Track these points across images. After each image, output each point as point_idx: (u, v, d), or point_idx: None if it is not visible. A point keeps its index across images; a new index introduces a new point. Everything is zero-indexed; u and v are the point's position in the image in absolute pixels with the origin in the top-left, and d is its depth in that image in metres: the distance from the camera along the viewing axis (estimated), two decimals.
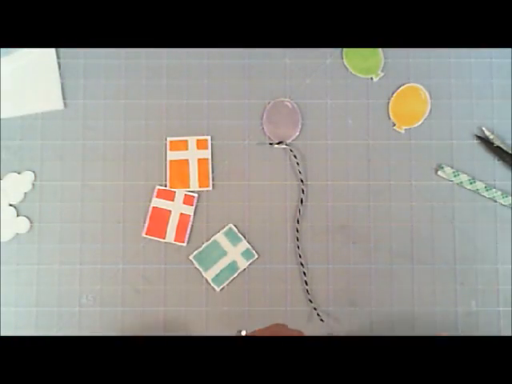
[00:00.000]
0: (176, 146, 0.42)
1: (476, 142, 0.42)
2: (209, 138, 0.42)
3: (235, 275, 0.41)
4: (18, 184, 0.41)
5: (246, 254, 0.41)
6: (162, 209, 0.41)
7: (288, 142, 0.42)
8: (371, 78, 0.42)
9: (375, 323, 0.39)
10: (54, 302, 0.40)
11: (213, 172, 0.42)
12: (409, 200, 0.42)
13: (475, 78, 0.42)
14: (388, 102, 0.42)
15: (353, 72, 0.43)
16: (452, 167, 0.42)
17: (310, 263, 0.41)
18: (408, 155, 0.42)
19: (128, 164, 0.42)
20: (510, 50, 0.42)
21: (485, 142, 0.42)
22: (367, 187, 0.42)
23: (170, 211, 0.41)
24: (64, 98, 0.42)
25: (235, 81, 0.42)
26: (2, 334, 0.40)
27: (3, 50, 0.41)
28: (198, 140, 0.42)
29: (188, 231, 0.41)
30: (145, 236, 0.41)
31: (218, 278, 0.40)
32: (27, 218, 0.41)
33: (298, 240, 0.41)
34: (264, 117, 0.42)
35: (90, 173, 0.42)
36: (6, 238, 0.41)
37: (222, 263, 0.41)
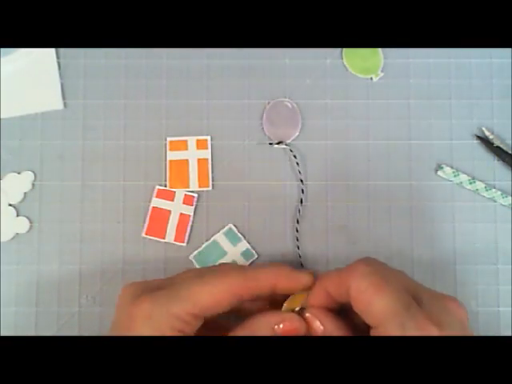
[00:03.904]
0: (176, 146, 0.42)
1: (476, 141, 0.42)
2: (209, 138, 0.42)
3: None
4: (18, 184, 0.41)
5: (246, 254, 0.41)
6: (162, 209, 0.41)
7: (288, 141, 0.42)
8: (371, 78, 0.42)
9: None
10: (54, 302, 0.40)
11: (213, 172, 0.42)
12: (409, 200, 0.42)
13: (475, 78, 0.42)
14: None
15: (353, 72, 0.43)
16: (452, 167, 0.42)
17: (310, 263, 0.41)
18: (408, 155, 0.42)
19: (128, 164, 0.42)
20: (509, 49, 0.42)
21: (485, 142, 0.42)
22: (367, 187, 0.42)
23: (169, 211, 0.41)
24: (64, 98, 0.42)
25: (235, 81, 0.42)
26: (2, 334, 0.40)
27: (3, 50, 0.41)
28: (197, 140, 0.42)
29: (188, 231, 0.41)
30: (145, 236, 0.41)
31: None
32: (27, 218, 0.41)
33: (297, 240, 0.41)
34: (264, 117, 0.42)
35: (90, 173, 0.42)
36: (5, 237, 0.41)
37: None
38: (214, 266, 0.37)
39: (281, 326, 0.31)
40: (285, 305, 0.33)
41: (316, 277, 0.33)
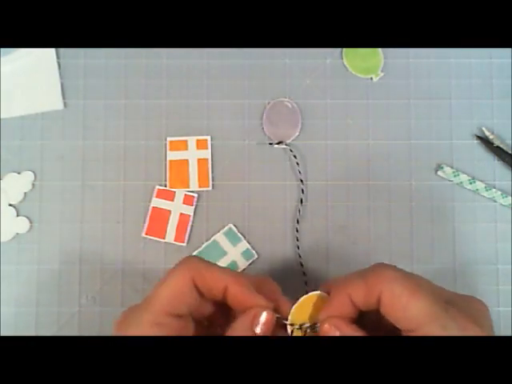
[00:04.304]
0: (176, 146, 0.42)
1: (476, 142, 0.42)
2: (209, 138, 0.42)
3: None
4: (18, 184, 0.41)
5: (246, 254, 0.41)
6: (162, 209, 0.41)
7: (288, 141, 0.42)
8: (371, 78, 0.42)
9: None
10: (54, 302, 0.40)
11: (213, 172, 0.42)
12: (409, 200, 0.42)
13: (475, 78, 0.42)
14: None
15: (353, 72, 0.43)
16: (452, 167, 0.42)
17: (310, 263, 0.41)
18: (408, 155, 0.42)
19: (128, 164, 0.42)
20: (509, 49, 0.42)
21: (485, 142, 0.42)
22: (367, 187, 0.42)
23: (169, 211, 0.41)
24: (64, 98, 0.42)
25: (235, 81, 0.42)
26: (2, 334, 0.40)
27: (3, 50, 0.41)
28: (197, 140, 0.42)
29: (188, 231, 0.41)
30: (145, 236, 0.41)
31: None
32: (27, 218, 0.41)
33: (297, 240, 0.41)
34: (264, 117, 0.42)
35: (90, 173, 0.42)
36: (5, 238, 0.41)
37: (222, 263, 0.41)
38: None
39: (258, 329, 0.29)
40: (290, 318, 0.31)
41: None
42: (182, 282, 0.30)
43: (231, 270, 0.32)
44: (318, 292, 0.31)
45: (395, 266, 0.30)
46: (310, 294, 0.31)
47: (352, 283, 0.30)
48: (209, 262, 0.31)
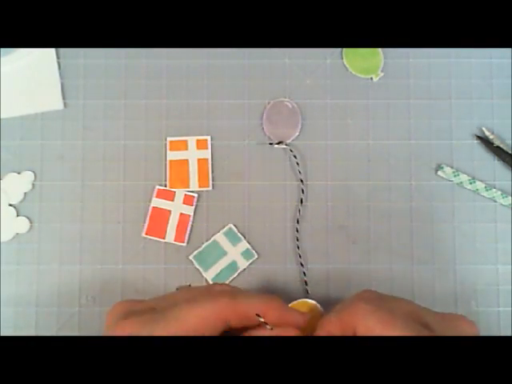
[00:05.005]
0: (176, 146, 0.42)
1: (476, 141, 0.42)
2: (209, 138, 0.42)
3: (235, 275, 0.41)
4: (18, 184, 0.41)
5: (246, 254, 0.41)
6: (162, 209, 0.41)
7: (288, 141, 0.42)
8: (371, 78, 0.42)
9: None
10: (54, 302, 0.40)
11: (213, 172, 0.42)
12: (409, 200, 0.42)
13: (475, 78, 0.43)
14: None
15: (353, 72, 0.43)
16: (452, 167, 0.42)
17: (310, 263, 0.41)
18: (408, 155, 0.42)
19: (128, 164, 0.42)
20: (509, 49, 0.42)
21: (485, 142, 0.42)
22: (367, 187, 0.42)
23: (169, 211, 0.41)
24: (64, 98, 0.42)
25: (235, 81, 0.42)
26: (2, 334, 0.40)
27: (3, 50, 0.41)
28: (197, 140, 0.42)
29: (188, 231, 0.41)
30: (145, 236, 0.41)
31: (217, 278, 0.41)
32: (27, 218, 0.41)
33: (297, 240, 0.41)
34: (264, 117, 0.42)
35: (90, 173, 0.42)
36: (5, 238, 0.41)
37: (222, 263, 0.41)
38: (207, 286, 0.36)
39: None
40: None
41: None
42: (211, 320, 0.29)
43: (259, 295, 0.33)
44: (305, 300, 0.32)
45: (372, 295, 0.31)
46: (299, 300, 0.33)
47: (329, 321, 0.30)
48: (238, 294, 0.31)
